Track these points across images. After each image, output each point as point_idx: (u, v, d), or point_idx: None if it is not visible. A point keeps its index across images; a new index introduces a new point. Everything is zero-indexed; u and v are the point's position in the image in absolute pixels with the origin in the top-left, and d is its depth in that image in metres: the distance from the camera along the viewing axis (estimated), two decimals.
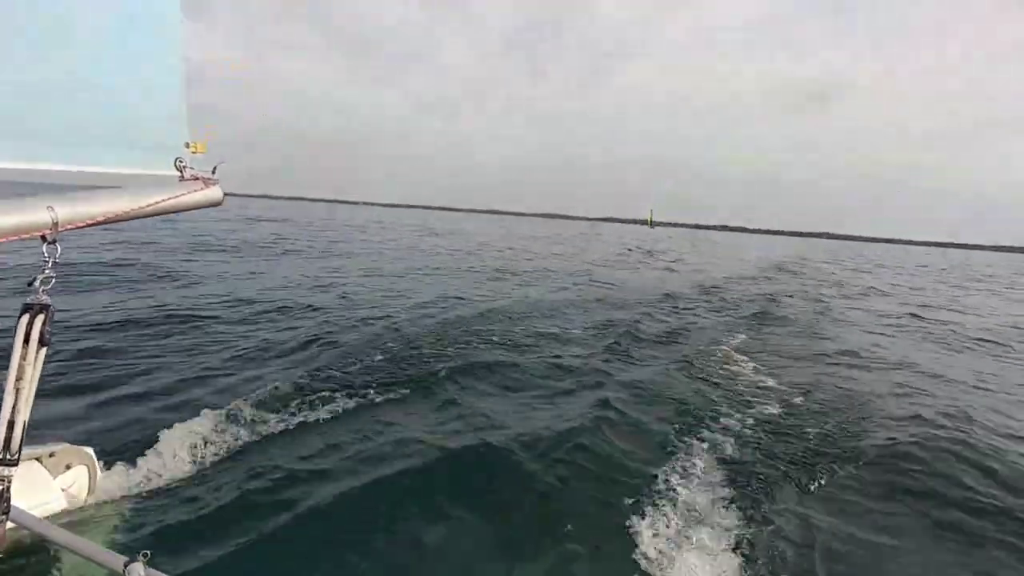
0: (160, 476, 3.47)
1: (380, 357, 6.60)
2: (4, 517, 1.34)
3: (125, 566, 1.33)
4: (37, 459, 2.64)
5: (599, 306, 11.53)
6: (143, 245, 15.98)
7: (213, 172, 2.11)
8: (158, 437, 4.00)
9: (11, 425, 1.35)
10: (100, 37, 1.92)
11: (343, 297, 10.67)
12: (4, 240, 1.44)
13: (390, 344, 7.21)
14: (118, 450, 3.96)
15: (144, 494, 3.20)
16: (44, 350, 1.43)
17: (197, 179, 2.06)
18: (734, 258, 36.76)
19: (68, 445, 2.78)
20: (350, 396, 5.29)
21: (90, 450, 2.87)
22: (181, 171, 2.03)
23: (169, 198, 1.89)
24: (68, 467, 2.75)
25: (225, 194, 2.16)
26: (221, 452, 3.98)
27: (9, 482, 1.37)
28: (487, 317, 9.14)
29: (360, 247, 23.58)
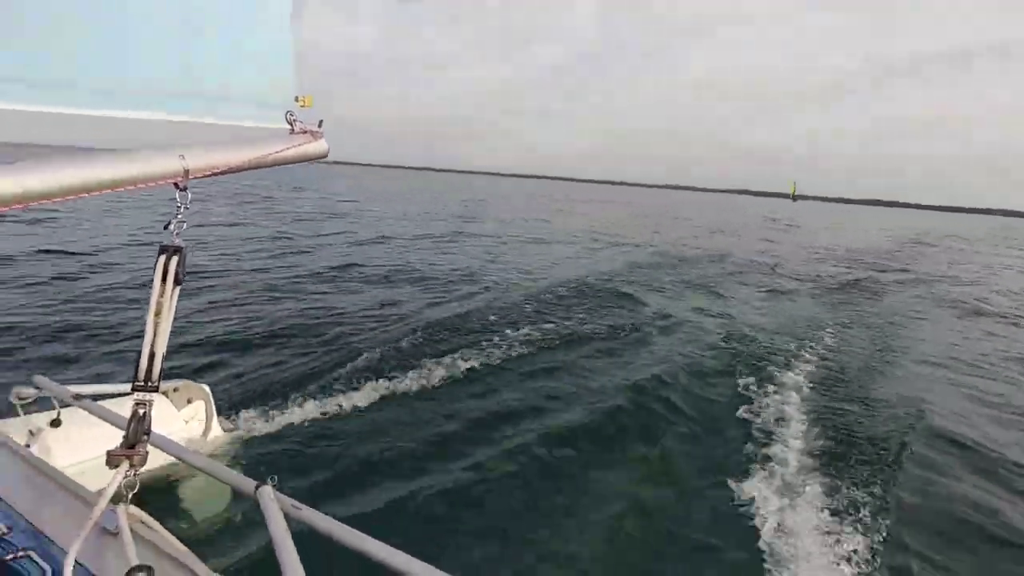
0: (275, 419, 3.75)
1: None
2: (146, 437, 1.48)
3: (256, 488, 1.44)
4: (163, 392, 2.91)
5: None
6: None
7: (319, 125, 2.18)
8: (278, 382, 4.31)
9: (151, 356, 1.48)
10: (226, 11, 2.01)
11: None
12: (144, 186, 1.55)
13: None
14: (238, 392, 4.32)
15: (258, 434, 3.48)
16: (178, 288, 1.54)
17: (306, 132, 2.13)
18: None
19: (190, 382, 3.04)
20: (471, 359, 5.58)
21: (207, 388, 3.13)
22: (292, 124, 2.11)
23: (282, 150, 1.97)
24: (189, 401, 3.02)
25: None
26: (338, 402, 4.26)
27: (150, 406, 1.51)
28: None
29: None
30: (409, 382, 4.92)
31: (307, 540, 1.38)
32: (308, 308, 7.48)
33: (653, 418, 4.61)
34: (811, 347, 7.10)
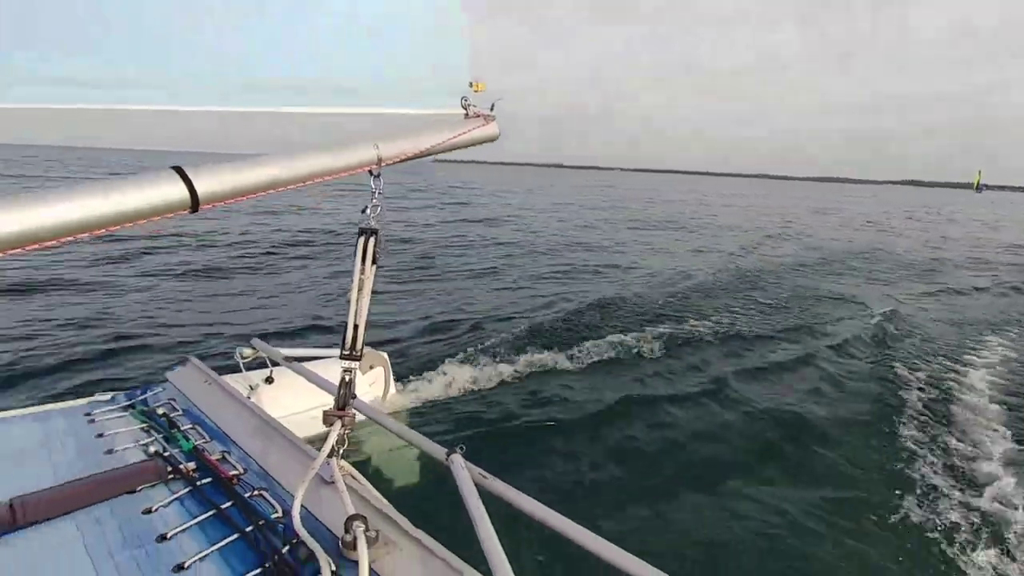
0: (449, 387, 4.04)
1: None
2: (353, 400, 1.67)
3: (447, 455, 1.57)
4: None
5: None
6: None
7: (491, 109, 2.25)
8: (452, 354, 4.63)
9: (355, 328, 1.65)
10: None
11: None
12: (345, 174, 1.71)
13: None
14: (411, 361, 4.71)
15: (428, 399, 3.78)
16: (375, 267, 1.70)
17: (479, 116, 2.22)
18: None
19: (371, 349, 3.35)
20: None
21: (386, 355, 3.44)
22: (467, 109, 2.20)
23: (459, 134, 2.07)
24: (371, 367, 3.34)
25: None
26: (500, 374, 4.51)
27: (354, 373, 1.69)
28: None
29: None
30: (586, 357, 5.06)
31: (491, 509, 1.47)
32: (493, 292, 7.86)
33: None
34: None
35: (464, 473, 1.51)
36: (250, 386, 2.90)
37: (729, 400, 4.44)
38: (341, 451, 1.63)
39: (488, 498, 1.50)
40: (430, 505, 2.11)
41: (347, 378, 1.66)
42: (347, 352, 1.64)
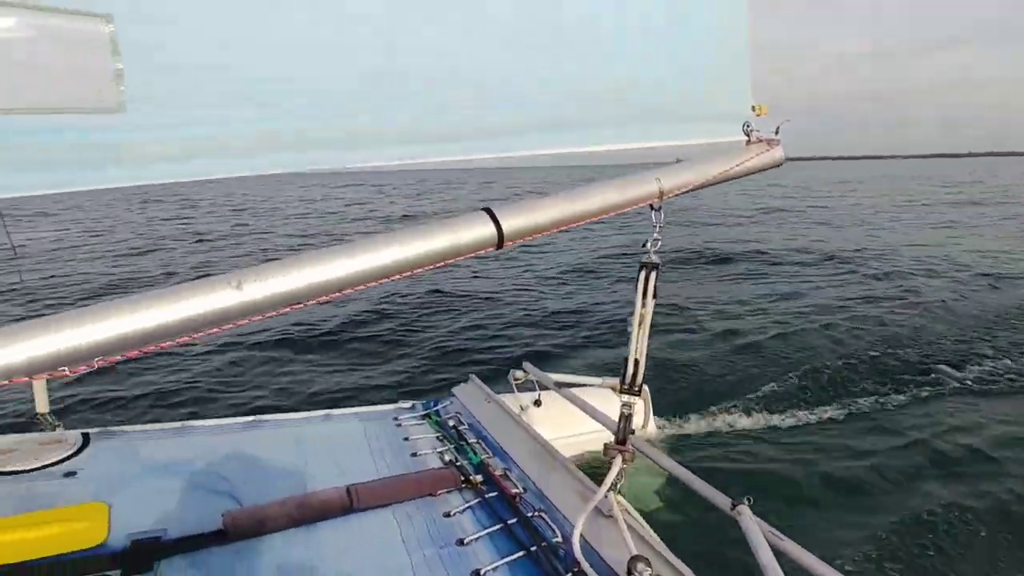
0: (714, 426, 3.86)
1: None
2: (632, 434, 1.67)
3: (733, 506, 1.48)
4: (612, 388, 3.28)
5: None
6: None
7: (776, 133, 2.10)
8: (719, 389, 4.41)
9: (636, 363, 1.65)
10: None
11: None
12: (627, 209, 1.73)
13: None
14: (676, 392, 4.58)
15: (690, 434, 3.64)
16: (654, 301, 1.69)
17: (761, 141, 2.08)
18: None
19: None
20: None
21: (646, 387, 3.40)
22: (748, 135, 2.09)
23: (739, 163, 1.97)
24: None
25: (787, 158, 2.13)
26: (770, 416, 4.15)
27: (633, 408, 1.69)
28: None
29: None
30: (868, 405, 4.42)
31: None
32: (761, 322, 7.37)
33: None
34: None
35: (754, 528, 1.39)
36: (520, 407, 3.11)
37: None
38: (619, 486, 1.64)
39: (778, 559, 1.36)
40: (706, 555, 2.00)
41: (626, 412, 1.67)
42: (626, 387, 1.66)
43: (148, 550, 1.51)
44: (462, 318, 8.10)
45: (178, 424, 2.38)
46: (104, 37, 1.16)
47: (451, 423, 2.35)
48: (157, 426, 2.38)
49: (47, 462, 2.01)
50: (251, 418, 2.42)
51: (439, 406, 2.55)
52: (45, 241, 17.10)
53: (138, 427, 2.35)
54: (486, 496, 1.78)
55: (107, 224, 21.93)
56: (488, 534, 1.61)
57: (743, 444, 3.79)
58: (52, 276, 11.69)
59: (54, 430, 2.25)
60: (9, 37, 1.10)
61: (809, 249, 12.97)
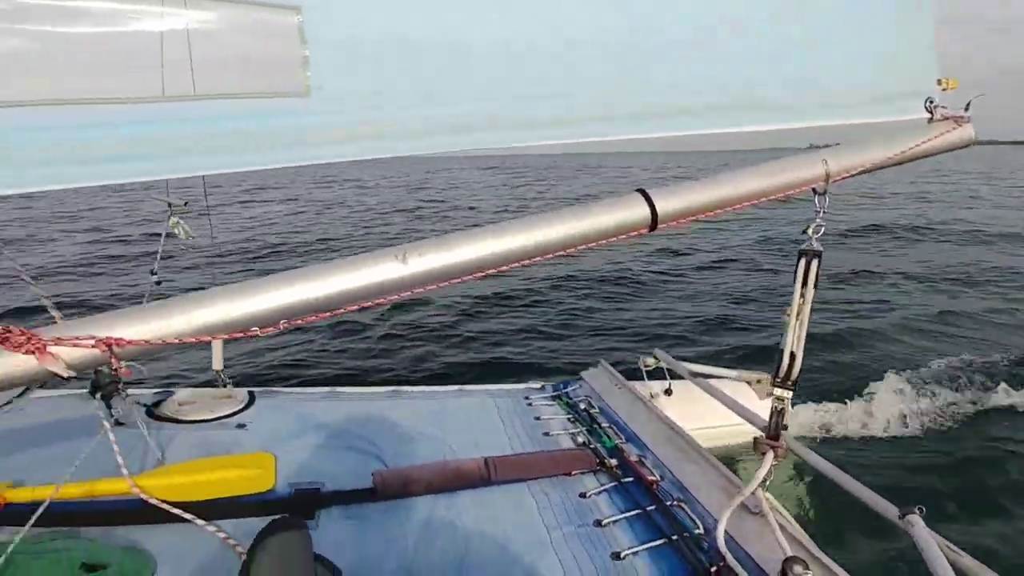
0: (867, 423, 3.54)
1: None
2: (784, 431, 1.57)
3: (901, 515, 1.35)
4: (747, 382, 3.12)
5: None
6: None
7: (966, 109, 1.86)
8: (867, 384, 4.04)
9: (792, 356, 1.55)
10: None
11: None
12: (788, 194, 1.62)
13: None
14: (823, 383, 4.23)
15: (831, 436, 3.38)
16: (813, 291, 1.57)
17: (947, 119, 1.86)
18: None
19: (770, 375, 3.16)
20: None
21: None
22: (932, 112, 1.87)
23: (920, 143, 1.77)
24: (769, 395, 3.14)
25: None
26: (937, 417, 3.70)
27: (786, 403, 1.59)
28: None
29: None
30: None
31: None
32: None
33: None
34: None
35: (929, 542, 1.26)
36: (650, 394, 3.05)
37: None
38: (768, 482, 1.55)
39: None
40: (865, 566, 1.86)
41: (779, 407, 1.58)
42: (779, 380, 1.56)
43: (310, 500, 1.65)
44: (587, 302, 8.08)
45: (327, 389, 2.58)
46: (293, 27, 1.25)
47: (582, 406, 2.35)
48: (310, 390, 2.59)
49: (221, 414, 2.25)
50: (391, 388, 2.56)
51: (568, 389, 2.56)
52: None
53: (295, 390, 2.58)
54: (622, 480, 1.76)
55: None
56: (626, 519, 1.59)
57: (902, 442, 3.43)
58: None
59: (225, 387, 2.52)
60: (211, 29, 1.22)
61: None
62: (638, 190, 1.40)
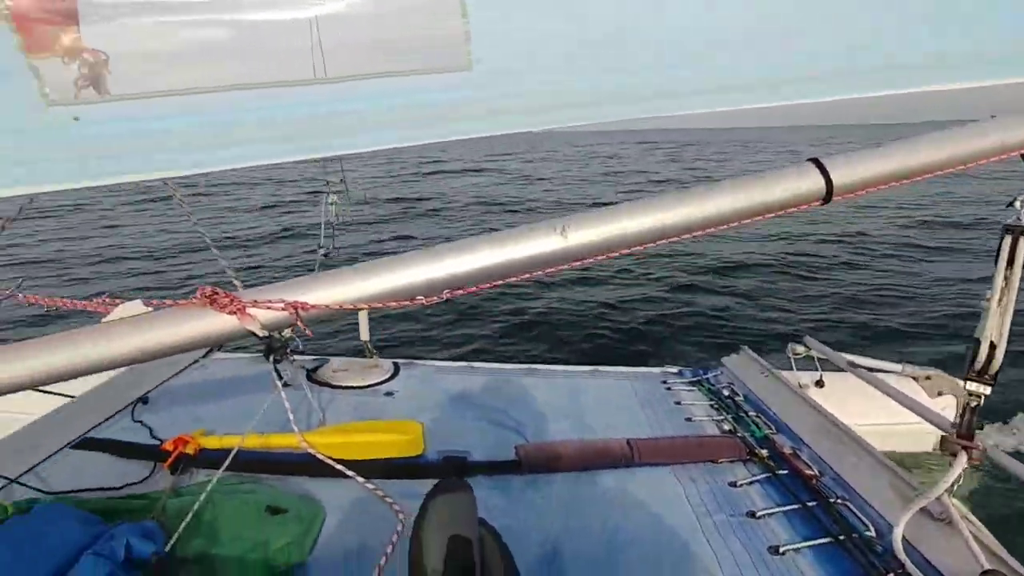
0: None
1: None
2: (980, 431, 1.39)
3: None
4: (914, 378, 2.81)
5: None
6: None
7: None
8: None
9: (992, 346, 1.36)
10: None
11: None
12: (986, 161, 1.41)
13: None
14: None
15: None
16: (1021, 273, 1.36)
17: None
18: None
19: (943, 373, 2.83)
20: None
21: (962, 383, 2.84)
22: None
23: None
24: (940, 394, 2.81)
25: None
26: None
27: (980, 400, 1.40)
28: None
29: None
30: None
31: None
32: None
33: None
34: None
35: None
36: (799, 383, 2.85)
37: None
38: (955, 487, 1.38)
39: None
40: None
41: (973, 404, 1.39)
42: (976, 373, 1.38)
43: (458, 467, 1.71)
44: (736, 283, 7.71)
45: (464, 364, 2.66)
46: (455, 1, 1.27)
47: (725, 393, 2.24)
48: (449, 363, 2.69)
49: (371, 382, 2.40)
50: (527, 366, 2.59)
51: (709, 375, 2.45)
52: None
53: (435, 362, 2.69)
54: (776, 472, 1.66)
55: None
56: (784, 512, 1.49)
57: None
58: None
59: (372, 357, 2.68)
60: (378, 11, 1.26)
61: None
62: (811, 159, 1.30)
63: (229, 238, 11.73)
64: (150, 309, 1.22)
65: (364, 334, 2.78)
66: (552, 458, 1.72)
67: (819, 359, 2.70)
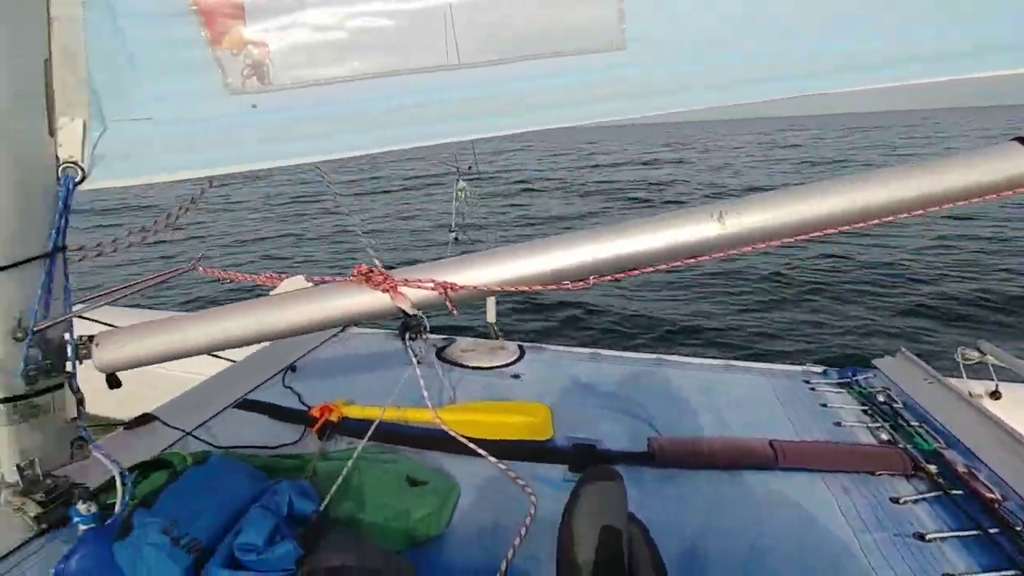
0: None
1: None
2: None
3: None
4: None
5: None
6: None
7: None
8: None
9: None
10: None
11: None
12: None
13: None
14: None
15: None
16: None
17: None
18: None
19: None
20: None
21: None
22: None
23: None
24: None
25: None
26: None
27: None
28: None
29: None
30: None
31: None
32: None
33: None
34: None
35: None
36: (969, 392, 2.54)
37: None
38: None
39: None
40: None
41: None
42: None
43: (588, 455, 1.69)
44: (901, 280, 7.06)
45: (590, 350, 2.63)
46: None
47: (880, 398, 2.03)
48: (574, 349, 2.67)
49: (498, 363, 2.44)
50: (655, 356, 2.51)
51: (860, 377, 2.23)
52: None
53: (560, 348, 2.68)
54: (949, 492, 1.48)
55: None
56: (959, 538, 1.32)
57: None
58: None
59: (497, 339, 2.72)
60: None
61: None
62: (1016, 138, 1.12)
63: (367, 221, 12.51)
64: (311, 284, 1.30)
65: (491, 316, 2.82)
66: (689, 453, 1.64)
67: (995, 367, 2.39)
